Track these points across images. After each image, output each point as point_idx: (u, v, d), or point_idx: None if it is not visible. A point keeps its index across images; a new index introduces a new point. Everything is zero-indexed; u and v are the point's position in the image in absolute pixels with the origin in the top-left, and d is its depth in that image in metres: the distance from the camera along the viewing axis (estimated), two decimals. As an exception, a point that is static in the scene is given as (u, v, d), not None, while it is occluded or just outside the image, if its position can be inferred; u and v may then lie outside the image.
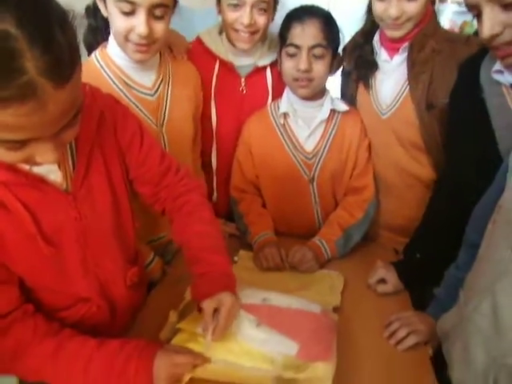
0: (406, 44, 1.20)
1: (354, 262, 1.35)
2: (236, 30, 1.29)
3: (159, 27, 1.03)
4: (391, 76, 1.28)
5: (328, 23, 1.24)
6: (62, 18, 0.59)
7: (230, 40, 1.34)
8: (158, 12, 1.01)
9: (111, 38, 1.10)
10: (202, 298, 0.87)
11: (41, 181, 0.76)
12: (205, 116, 1.40)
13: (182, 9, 1.14)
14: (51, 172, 0.77)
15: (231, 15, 1.26)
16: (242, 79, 1.40)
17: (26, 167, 0.73)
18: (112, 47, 1.11)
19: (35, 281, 0.82)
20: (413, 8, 1.13)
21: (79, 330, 0.84)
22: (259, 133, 1.39)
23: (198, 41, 1.40)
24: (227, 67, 1.38)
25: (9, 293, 0.77)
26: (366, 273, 1.25)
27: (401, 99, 1.25)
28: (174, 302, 1.03)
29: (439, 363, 0.94)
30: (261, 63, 1.39)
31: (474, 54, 1.09)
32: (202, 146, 1.47)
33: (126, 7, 0.98)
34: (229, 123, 1.43)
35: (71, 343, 0.80)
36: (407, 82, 1.23)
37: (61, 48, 0.56)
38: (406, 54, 1.22)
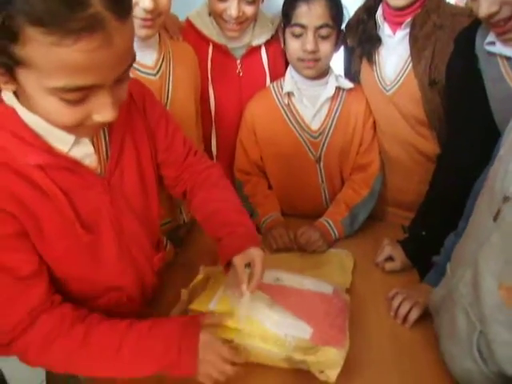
0: (409, 19, 1.19)
1: (362, 241, 1.36)
2: (224, 20, 1.25)
3: (164, 0, 1.02)
4: (395, 52, 1.26)
5: (334, 1, 1.21)
6: None
7: (219, 25, 1.31)
8: None
9: None
10: (233, 253, 0.88)
11: (77, 163, 0.74)
12: (202, 100, 1.37)
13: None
14: (87, 156, 0.76)
15: (219, 6, 1.23)
16: (238, 61, 1.37)
17: (65, 150, 0.72)
18: None
19: (67, 270, 0.79)
20: None
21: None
22: (263, 114, 1.37)
23: (189, 23, 1.35)
24: (221, 50, 1.34)
25: (40, 286, 0.75)
26: (373, 251, 1.26)
27: (404, 75, 1.24)
28: (186, 283, 1.03)
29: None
30: (255, 43, 1.36)
31: (469, 25, 1.09)
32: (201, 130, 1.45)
33: None
34: (227, 107, 1.41)
35: (100, 327, 0.78)
36: (410, 58, 1.22)
37: None
38: (408, 30, 1.21)
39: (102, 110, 0.63)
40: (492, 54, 0.98)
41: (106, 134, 0.80)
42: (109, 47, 0.56)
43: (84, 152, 0.75)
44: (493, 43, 0.96)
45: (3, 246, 0.69)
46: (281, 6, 1.27)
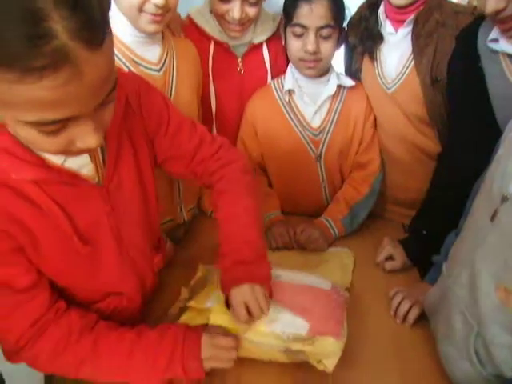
0: (411, 17, 1.18)
1: (362, 239, 1.35)
2: (226, 21, 1.25)
3: None
4: (396, 49, 1.25)
5: (336, 1, 1.19)
6: None
7: (220, 25, 1.30)
8: None
9: (114, 14, 1.06)
10: (231, 286, 0.84)
11: (74, 176, 0.72)
12: (203, 98, 1.35)
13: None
14: (84, 166, 0.73)
15: (221, 7, 1.22)
16: (239, 59, 1.36)
17: (59, 162, 0.69)
18: (115, 23, 1.07)
19: (66, 281, 0.78)
20: None
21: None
22: (264, 111, 1.36)
23: (190, 20, 1.34)
24: (223, 47, 1.33)
25: (40, 297, 0.74)
26: (374, 249, 1.26)
27: (406, 73, 1.24)
28: (185, 281, 1.04)
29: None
30: (256, 40, 1.35)
31: (471, 23, 1.08)
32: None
33: None
34: (228, 105, 1.40)
35: (109, 337, 0.79)
36: (412, 56, 1.21)
37: (90, 5, 0.49)
38: (410, 27, 1.20)
39: (85, 138, 0.59)
40: (494, 52, 0.97)
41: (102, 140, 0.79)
42: (79, 80, 0.50)
43: (79, 162, 0.72)
44: (496, 40, 0.96)
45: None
46: (282, 3, 1.25)
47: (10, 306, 0.72)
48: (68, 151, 0.61)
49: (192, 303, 0.94)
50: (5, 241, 0.67)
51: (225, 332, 0.85)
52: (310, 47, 1.18)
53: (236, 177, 0.96)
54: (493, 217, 0.72)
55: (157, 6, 0.99)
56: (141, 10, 1.00)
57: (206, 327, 0.86)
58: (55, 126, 0.55)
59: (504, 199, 0.70)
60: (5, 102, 0.50)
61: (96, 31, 0.51)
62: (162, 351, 0.79)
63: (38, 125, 0.54)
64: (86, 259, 0.77)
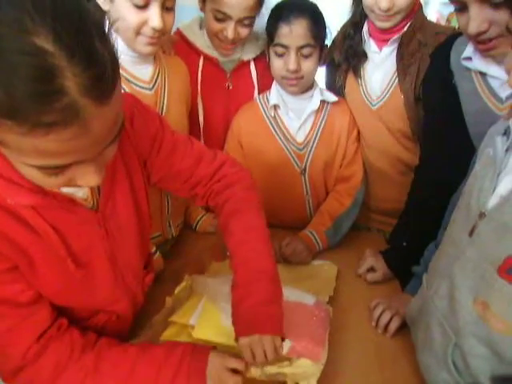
0: (395, 36, 1.22)
1: (346, 251, 1.37)
2: (219, 39, 1.28)
3: (170, 19, 1.04)
4: (381, 67, 1.29)
5: (316, 21, 1.22)
6: (101, 27, 0.52)
7: (212, 42, 1.33)
8: (169, 3, 1.01)
9: None
10: (239, 334, 0.82)
11: (70, 201, 0.71)
12: (191, 112, 1.37)
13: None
14: (79, 190, 0.72)
15: (215, 26, 1.24)
16: (228, 74, 1.39)
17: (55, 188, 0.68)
18: None
19: (61, 301, 0.77)
20: (403, 0, 1.14)
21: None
22: (250, 126, 1.38)
23: (179, 35, 1.36)
24: (212, 62, 1.35)
25: (43, 311, 0.74)
26: (357, 261, 1.27)
27: (390, 91, 1.27)
28: (171, 295, 1.05)
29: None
30: (245, 57, 1.37)
31: (444, 41, 1.12)
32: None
33: (141, 1, 0.96)
34: (216, 120, 1.42)
35: (111, 351, 0.78)
36: (396, 74, 1.25)
37: (103, 61, 0.49)
38: (394, 46, 1.24)
39: (86, 178, 0.59)
40: (467, 70, 1.00)
41: None
42: (86, 133, 0.51)
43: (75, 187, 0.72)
44: (469, 59, 0.99)
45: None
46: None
47: (14, 321, 0.71)
48: (68, 186, 0.62)
49: (174, 318, 0.95)
50: (1, 262, 0.67)
51: (234, 354, 0.82)
52: (291, 66, 1.22)
53: (244, 197, 0.94)
54: (471, 232, 0.74)
55: (154, 30, 1.01)
56: (138, 32, 1.01)
57: (213, 348, 0.84)
58: (58, 170, 0.55)
59: (482, 215, 0.72)
60: (10, 147, 0.51)
61: (107, 86, 0.51)
62: (168, 365, 0.78)
63: (41, 168, 0.54)
64: (80, 282, 0.76)
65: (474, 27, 0.88)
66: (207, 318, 0.92)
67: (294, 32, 1.20)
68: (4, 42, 0.44)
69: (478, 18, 0.87)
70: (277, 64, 1.26)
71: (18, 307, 0.71)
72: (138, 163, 0.87)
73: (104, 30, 0.52)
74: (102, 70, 0.49)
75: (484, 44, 0.91)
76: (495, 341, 0.70)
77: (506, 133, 0.75)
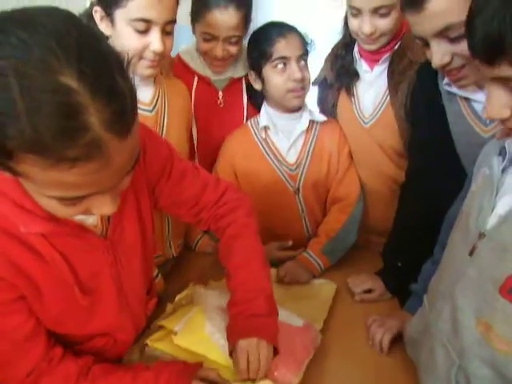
0: (385, 56, 1.23)
1: (347, 270, 1.35)
2: (210, 57, 1.33)
3: (170, 42, 1.07)
4: (372, 86, 1.30)
5: (300, 34, 1.30)
6: (120, 64, 0.54)
7: (205, 61, 1.38)
8: (169, 28, 1.04)
9: None
10: (234, 340, 0.86)
11: (80, 228, 0.72)
12: (186, 131, 1.40)
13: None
14: (89, 216, 0.72)
15: (204, 45, 1.31)
16: (220, 93, 1.41)
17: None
18: None
19: (62, 328, 0.78)
20: (386, 24, 1.15)
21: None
22: (243, 149, 1.39)
23: (178, 58, 1.41)
24: (205, 81, 1.39)
25: (38, 346, 0.73)
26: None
27: (382, 109, 1.28)
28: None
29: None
30: (236, 75, 1.41)
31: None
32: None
33: (142, 26, 0.99)
34: (209, 138, 1.43)
35: (106, 381, 0.79)
36: (388, 92, 1.25)
37: (123, 96, 0.51)
38: (386, 65, 1.25)
39: (101, 207, 0.61)
40: (452, 93, 1.01)
41: None
42: (107, 167, 0.52)
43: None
44: (449, 84, 1.00)
45: (2, 311, 0.68)
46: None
47: (6, 358, 0.70)
48: (82, 214, 0.63)
49: (163, 322, 0.97)
50: (8, 290, 0.67)
51: (219, 375, 0.85)
52: (297, 75, 1.25)
53: (245, 222, 0.99)
54: (471, 252, 0.74)
55: (155, 53, 1.03)
56: (140, 57, 1.04)
57: (200, 368, 0.86)
58: (76, 200, 0.57)
59: (481, 236, 0.72)
60: (35, 181, 0.52)
61: (127, 120, 0.53)
62: None
63: (59, 199, 0.55)
64: (85, 308, 0.77)
65: (436, 60, 0.91)
66: (192, 326, 0.94)
67: (291, 42, 1.26)
68: (31, 81, 0.45)
69: (439, 52, 0.90)
70: (279, 79, 1.28)
71: (13, 344, 0.70)
72: (147, 190, 0.88)
73: (123, 65, 0.54)
74: (123, 105, 0.51)
75: (453, 75, 0.94)
76: (499, 362, 0.69)
77: (501, 153, 0.76)
